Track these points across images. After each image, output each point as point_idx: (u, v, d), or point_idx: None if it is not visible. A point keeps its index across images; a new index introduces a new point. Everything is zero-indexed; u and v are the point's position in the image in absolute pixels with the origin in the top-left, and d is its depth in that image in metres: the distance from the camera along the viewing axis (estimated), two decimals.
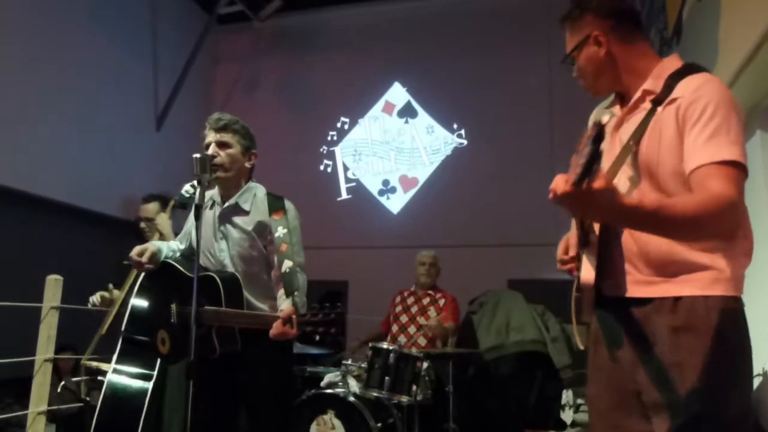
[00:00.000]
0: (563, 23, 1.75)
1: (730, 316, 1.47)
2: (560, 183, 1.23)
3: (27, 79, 5.37)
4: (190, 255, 2.72)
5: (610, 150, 1.63)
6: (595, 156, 1.19)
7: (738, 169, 1.40)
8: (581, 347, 2.10)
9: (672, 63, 1.62)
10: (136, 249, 2.58)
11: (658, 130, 1.50)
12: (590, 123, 1.86)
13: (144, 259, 2.56)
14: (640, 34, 1.68)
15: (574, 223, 1.79)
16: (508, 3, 7.11)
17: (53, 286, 3.17)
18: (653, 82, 1.58)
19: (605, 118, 1.23)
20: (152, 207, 4.00)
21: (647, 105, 1.57)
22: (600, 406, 1.65)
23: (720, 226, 1.40)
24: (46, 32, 5.59)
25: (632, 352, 1.54)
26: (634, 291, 1.55)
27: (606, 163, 1.63)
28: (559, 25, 1.77)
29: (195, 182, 2.52)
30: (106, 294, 3.79)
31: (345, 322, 2.21)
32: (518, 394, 4.75)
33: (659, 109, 1.52)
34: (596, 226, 1.60)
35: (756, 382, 3.05)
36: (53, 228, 5.69)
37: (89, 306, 3.78)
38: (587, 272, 1.54)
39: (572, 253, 1.72)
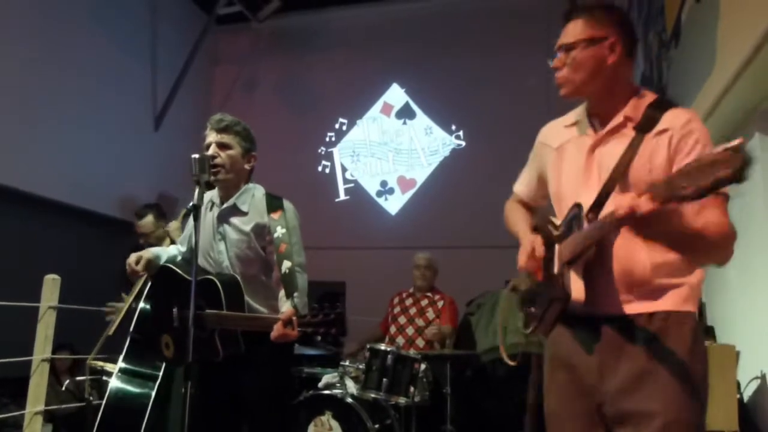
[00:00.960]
0: (577, 13, 1.70)
1: (697, 331, 1.59)
2: (646, 203, 1.27)
3: (26, 79, 5.37)
4: (190, 258, 2.72)
5: (585, 170, 1.66)
6: None
7: (726, 201, 1.52)
8: (511, 363, 2.14)
9: (648, 94, 1.68)
10: (133, 257, 2.57)
11: (647, 156, 1.56)
12: (542, 140, 1.88)
13: (139, 267, 2.56)
14: (632, 60, 1.72)
15: (528, 231, 1.82)
16: (506, 4, 7.11)
17: (51, 285, 3.16)
18: (633, 110, 1.63)
19: None
20: (147, 222, 3.99)
21: (629, 131, 1.61)
22: (559, 423, 1.68)
23: (726, 252, 1.52)
24: (45, 32, 5.58)
25: (599, 362, 1.57)
26: (611, 309, 1.59)
27: (577, 181, 1.67)
28: (566, 16, 1.73)
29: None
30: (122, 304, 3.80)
31: (345, 322, 2.20)
32: (516, 395, 4.74)
33: (647, 136, 1.57)
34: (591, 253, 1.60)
35: (753, 385, 3.07)
36: (51, 227, 5.68)
37: (107, 318, 3.78)
38: (578, 290, 1.54)
39: (540, 253, 1.71)
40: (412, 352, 4.18)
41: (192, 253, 2.67)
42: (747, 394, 3.09)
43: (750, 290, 3.14)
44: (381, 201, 7.45)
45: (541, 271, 1.72)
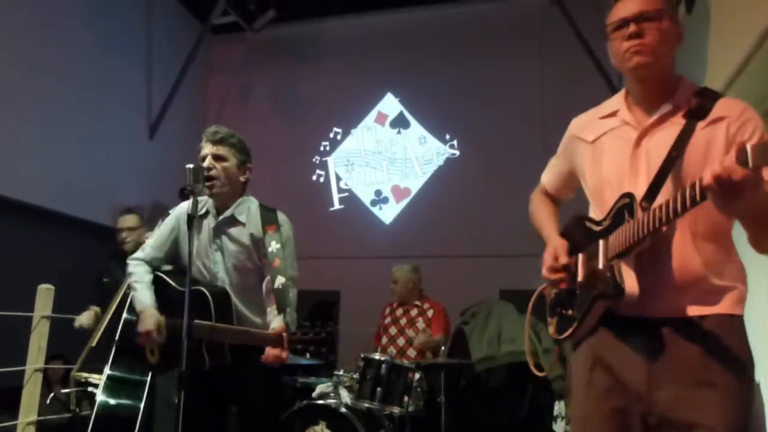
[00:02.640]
0: None
1: (745, 335, 1.54)
2: (737, 168, 1.20)
3: (20, 87, 5.36)
4: (180, 269, 2.70)
5: (632, 161, 1.59)
6: None
7: None
8: (539, 373, 2.07)
9: (688, 81, 1.64)
10: (154, 326, 2.45)
11: (703, 144, 1.51)
12: (575, 133, 1.80)
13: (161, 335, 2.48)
14: None
15: (552, 234, 1.78)
16: (501, 14, 7.16)
17: (44, 295, 3.15)
18: (680, 98, 1.58)
19: None
20: (131, 217, 4.03)
21: (679, 119, 1.56)
22: (590, 427, 1.59)
23: None
24: (40, 41, 5.58)
25: (648, 370, 1.49)
26: (661, 311, 1.51)
27: (623, 173, 1.60)
28: None
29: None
30: (91, 313, 3.80)
31: (336, 340, 2.22)
32: (510, 405, 4.74)
33: (700, 124, 1.52)
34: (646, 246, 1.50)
35: None
36: (44, 236, 5.66)
37: (76, 325, 3.77)
38: (632, 285, 1.46)
39: (563, 260, 1.68)
40: (405, 362, 4.17)
41: (180, 264, 2.68)
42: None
43: (748, 298, 3.15)
44: (375, 210, 7.46)
45: (566, 280, 1.67)
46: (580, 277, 1.64)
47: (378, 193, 7.51)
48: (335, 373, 4.24)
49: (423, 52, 7.40)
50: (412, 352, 4.63)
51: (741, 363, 1.48)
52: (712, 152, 1.49)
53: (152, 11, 7.21)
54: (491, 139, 6.96)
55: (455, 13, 7.36)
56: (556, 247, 1.71)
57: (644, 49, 1.56)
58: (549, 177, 1.98)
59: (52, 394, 4.15)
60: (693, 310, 1.50)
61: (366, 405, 3.86)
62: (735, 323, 1.51)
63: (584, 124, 1.80)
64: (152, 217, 4.08)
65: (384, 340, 4.78)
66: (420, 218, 7.12)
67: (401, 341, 4.70)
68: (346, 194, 7.59)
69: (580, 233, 1.71)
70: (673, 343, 1.49)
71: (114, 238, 4.11)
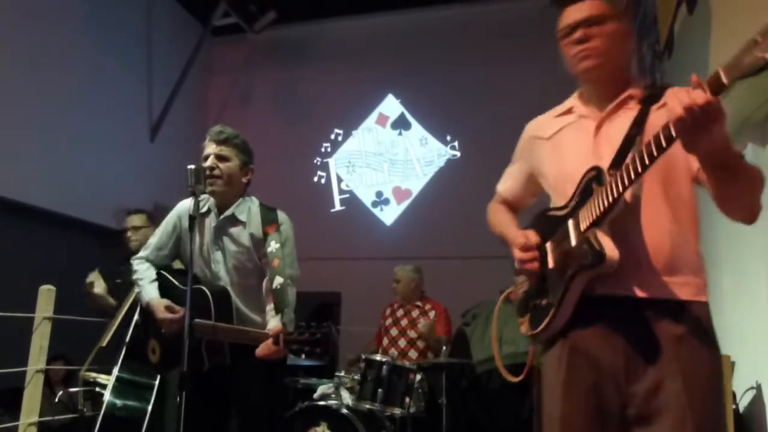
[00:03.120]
0: None
1: (712, 323, 1.55)
2: (700, 93, 1.24)
3: (21, 89, 5.37)
4: (182, 267, 2.71)
5: (594, 148, 1.62)
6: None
7: None
8: (511, 379, 2.02)
9: (639, 81, 1.70)
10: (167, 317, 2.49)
11: (658, 123, 1.49)
12: (532, 134, 1.84)
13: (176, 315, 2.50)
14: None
15: (516, 230, 1.77)
16: (501, 15, 7.16)
17: (46, 296, 3.15)
18: (634, 91, 1.64)
19: None
20: (139, 216, 4.03)
21: (634, 106, 1.61)
22: (575, 426, 1.55)
23: (758, 201, 1.49)
24: (40, 43, 5.59)
25: (626, 359, 1.49)
26: (638, 290, 1.51)
27: (586, 159, 1.61)
28: None
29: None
30: (102, 283, 3.80)
31: (330, 342, 2.20)
32: (511, 406, 4.73)
33: (653, 107, 1.56)
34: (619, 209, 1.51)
35: (749, 396, 3.07)
36: (45, 238, 5.66)
37: (89, 281, 3.77)
38: (612, 248, 1.45)
39: (534, 239, 1.66)
40: (406, 363, 4.17)
41: (171, 258, 2.69)
42: (743, 404, 3.09)
43: (744, 299, 3.15)
44: (376, 211, 7.46)
45: (538, 263, 1.65)
46: (551, 264, 1.63)
47: (379, 194, 7.51)
48: (336, 374, 4.23)
49: (424, 54, 7.41)
50: (413, 353, 4.62)
51: (713, 350, 1.50)
52: None
53: (152, 13, 7.21)
54: (492, 141, 6.92)
55: (456, 15, 7.37)
56: (524, 232, 1.71)
57: (591, 53, 1.61)
58: (507, 185, 1.98)
59: (60, 392, 4.14)
60: (668, 292, 1.50)
61: (367, 406, 3.86)
62: (705, 309, 1.53)
63: (540, 125, 1.84)
64: (153, 218, 4.08)
65: (385, 341, 4.77)
66: (421, 219, 7.12)
67: (402, 342, 4.70)
68: (347, 195, 7.59)
69: (544, 224, 1.71)
70: (648, 330, 1.49)
71: (119, 241, 4.12)
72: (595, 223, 1.50)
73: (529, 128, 1.89)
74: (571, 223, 1.58)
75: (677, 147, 1.39)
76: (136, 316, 2.91)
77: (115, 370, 3.14)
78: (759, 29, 1.12)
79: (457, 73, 7.20)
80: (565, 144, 1.70)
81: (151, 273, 2.64)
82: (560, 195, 1.69)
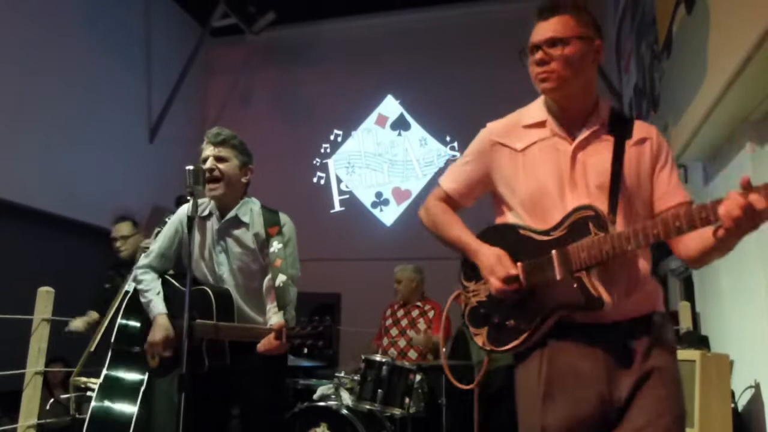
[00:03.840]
0: (564, 9, 1.67)
1: (670, 326, 1.69)
2: (760, 200, 1.33)
3: (20, 91, 5.37)
4: (184, 272, 2.70)
5: (570, 174, 1.64)
6: None
7: None
8: (462, 387, 2.09)
9: (604, 100, 1.75)
10: (162, 340, 2.45)
11: (634, 162, 1.64)
12: (495, 140, 1.79)
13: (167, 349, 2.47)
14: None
15: (477, 243, 1.77)
16: (500, 16, 7.16)
17: (45, 298, 3.15)
18: (603, 116, 1.69)
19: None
20: (125, 225, 4.01)
21: (607, 137, 1.66)
22: None
23: None
24: (40, 45, 5.59)
25: (607, 369, 1.56)
26: (617, 315, 1.58)
27: (561, 185, 1.63)
28: (550, 10, 1.68)
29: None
30: (87, 319, 3.79)
31: (332, 336, 2.20)
32: (511, 406, 4.72)
33: (628, 142, 1.65)
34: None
35: (748, 394, 3.07)
36: (44, 239, 5.66)
37: (66, 330, 3.74)
38: (606, 295, 1.53)
39: (514, 271, 1.63)
40: (406, 363, 4.16)
41: (173, 263, 2.68)
42: (741, 403, 3.09)
43: (743, 299, 3.15)
44: (376, 212, 7.46)
45: (514, 293, 1.63)
46: (524, 287, 1.63)
47: (379, 195, 7.51)
48: (336, 374, 4.23)
49: (423, 54, 7.41)
50: (413, 354, 4.62)
51: (674, 350, 1.64)
52: (642, 169, 1.65)
53: (151, 14, 7.22)
54: None
55: (456, 15, 7.37)
56: (500, 256, 1.67)
57: (550, 76, 1.65)
58: (455, 183, 1.91)
59: (52, 399, 4.14)
60: (640, 310, 1.61)
61: (367, 407, 3.85)
62: (666, 317, 1.66)
63: (507, 131, 1.79)
64: (152, 220, 4.08)
65: (385, 341, 4.77)
66: (421, 220, 7.11)
67: (402, 342, 4.69)
68: (347, 196, 7.59)
69: (509, 242, 1.69)
70: (626, 344, 1.58)
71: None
72: (590, 267, 1.54)
73: (492, 131, 1.84)
74: (555, 255, 1.57)
75: (644, 177, 1.63)
76: (121, 320, 2.90)
77: (103, 372, 3.13)
78: None
79: (457, 73, 7.21)
80: (540, 162, 1.68)
81: (157, 285, 2.60)
82: (532, 214, 1.68)
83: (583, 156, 1.64)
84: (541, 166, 1.67)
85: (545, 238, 1.62)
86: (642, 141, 1.67)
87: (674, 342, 1.66)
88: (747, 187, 1.33)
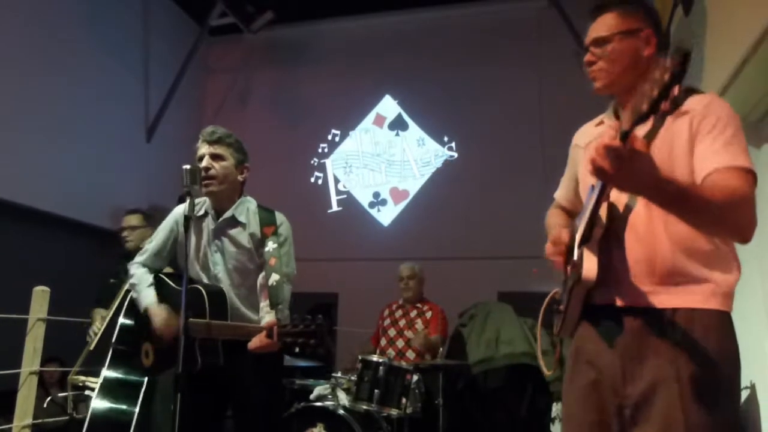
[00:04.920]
0: (608, 6, 1.69)
1: (723, 331, 1.52)
2: (606, 139, 1.28)
3: (17, 89, 5.36)
4: (178, 271, 2.70)
5: None
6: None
7: (753, 177, 1.48)
8: (547, 372, 2.10)
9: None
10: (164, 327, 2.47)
11: (669, 138, 1.56)
12: (574, 142, 1.88)
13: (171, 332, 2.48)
14: (665, 53, 1.72)
15: (561, 229, 1.77)
16: (498, 17, 7.17)
17: (40, 297, 3.14)
18: (649, 89, 1.63)
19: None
20: (135, 216, 4.01)
21: (657, 118, 1.59)
22: (580, 423, 1.60)
23: (739, 220, 1.45)
24: (37, 42, 5.58)
25: (622, 365, 1.52)
26: (633, 300, 1.53)
27: None
28: (596, 9, 1.70)
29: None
30: (96, 326, 3.78)
31: (325, 335, 2.19)
32: (508, 407, 4.73)
33: (668, 118, 1.57)
34: (600, 225, 1.55)
35: (743, 395, 3.07)
36: (40, 238, 5.65)
37: (91, 334, 3.74)
38: (590, 268, 1.49)
39: (565, 237, 1.67)
40: (403, 363, 4.16)
41: (168, 262, 2.68)
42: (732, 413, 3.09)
43: (739, 300, 3.15)
44: (373, 212, 7.45)
45: (562, 259, 1.68)
46: (568, 272, 1.67)
47: (376, 195, 7.51)
48: (333, 375, 4.23)
49: (421, 55, 7.41)
50: (411, 354, 4.62)
51: (715, 358, 1.47)
52: (675, 147, 1.55)
53: (149, 13, 7.20)
54: (489, 142, 6.96)
55: (454, 16, 7.37)
56: (561, 228, 1.72)
57: (598, 75, 1.69)
58: (561, 191, 2.02)
59: (49, 398, 4.13)
60: (662, 301, 1.51)
61: (364, 407, 3.85)
62: (711, 317, 1.50)
63: (581, 134, 1.89)
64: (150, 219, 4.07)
65: (383, 341, 4.77)
66: (418, 220, 7.12)
67: (400, 343, 4.69)
68: (345, 196, 7.59)
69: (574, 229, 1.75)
70: (644, 338, 1.51)
71: (114, 241, 4.10)
72: (584, 240, 1.54)
73: (575, 137, 1.94)
74: (577, 235, 1.62)
75: (678, 154, 1.49)
76: (121, 319, 2.90)
77: (103, 372, 3.13)
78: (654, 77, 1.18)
79: (455, 74, 7.21)
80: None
81: (148, 277, 2.63)
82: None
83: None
84: None
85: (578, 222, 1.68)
86: (682, 114, 1.56)
87: (717, 348, 1.48)
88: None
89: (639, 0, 1.73)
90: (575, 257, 1.58)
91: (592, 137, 1.77)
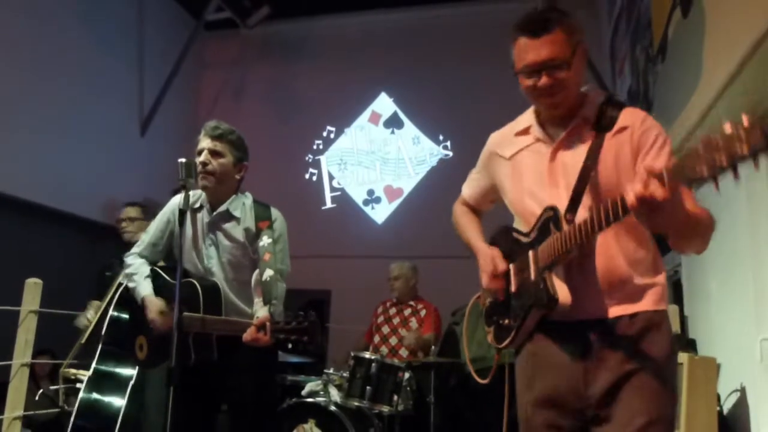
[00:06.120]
0: (554, 22, 1.58)
1: (669, 328, 1.63)
2: (658, 188, 1.23)
3: (10, 82, 5.33)
4: (173, 263, 2.69)
5: (549, 176, 1.65)
6: None
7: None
8: (481, 381, 2.11)
9: (593, 95, 1.69)
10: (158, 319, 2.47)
11: (612, 154, 1.59)
12: (492, 149, 1.88)
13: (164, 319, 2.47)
14: None
15: (480, 244, 1.85)
16: (494, 15, 7.15)
17: (32, 289, 3.12)
18: (588, 112, 1.65)
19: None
20: (134, 209, 4.00)
21: (588, 132, 1.62)
22: (538, 427, 1.65)
23: (709, 238, 1.53)
24: (32, 37, 5.55)
25: (584, 368, 1.57)
26: (592, 313, 1.58)
27: (541, 187, 1.66)
28: (542, 28, 1.59)
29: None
30: (90, 315, 3.76)
31: (317, 331, 2.20)
32: (500, 405, 4.73)
33: (607, 135, 1.60)
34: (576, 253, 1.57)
35: (733, 398, 3.09)
36: (34, 231, 5.62)
37: (81, 326, 3.73)
38: (565, 294, 1.53)
39: (502, 268, 1.73)
40: (396, 361, 4.17)
41: (164, 254, 2.67)
42: (727, 406, 3.10)
43: (730, 302, 3.17)
44: (368, 210, 7.45)
45: (502, 288, 1.73)
46: (513, 287, 1.71)
47: (370, 192, 7.50)
48: (325, 371, 4.23)
49: (418, 52, 7.41)
50: (404, 352, 4.62)
51: (666, 352, 1.57)
52: (621, 160, 1.58)
53: (145, 7, 7.17)
54: (484, 141, 6.91)
55: (450, 14, 7.37)
56: (492, 255, 1.77)
57: (556, 101, 1.63)
58: (470, 190, 2.05)
59: (41, 391, 4.11)
60: (621, 310, 1.58)
61: (355, 404, 3.86)
62: (659, 317, 1.59)
63: (501, 141, 1.87)
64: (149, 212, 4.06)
65: (376, 338, 4.77)
66: (412, 219, 7.12)
67: (393, 340, 4.70)
68: (339, 193, 7.58)
69: (508, 244, 1.78)
70: (605, 342, 1.57)
71: (108, 234, 4.09)
72: (551, 266, 1.56)
73: (490, 141, 1.94)
74: (531, 255, 1.64)
75: (623, 165, 1.55)
76: (111, 311, 2.89)
77: (93, 364, 3.12)
78: (700, 140, 1.14)
79: (450, 72, 7.21)
80: (524, 168, 1.73)
81: (146, 269, 2.62)
82: (521, 216, 1.76)
83: (562, 156, 1.65)
84: (525, 172, 1.72)
85: (526, 239, 1.69)
86: (621, 130, 1.59)
87: (667, 343, 1.59)
88: (650, 173, 1.25)
89: (562, 12, 1.65)
90: (533, 278, 1.61)
91: (517, 147, 1.75)
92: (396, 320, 4.77)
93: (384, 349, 4.65)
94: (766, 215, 1.51)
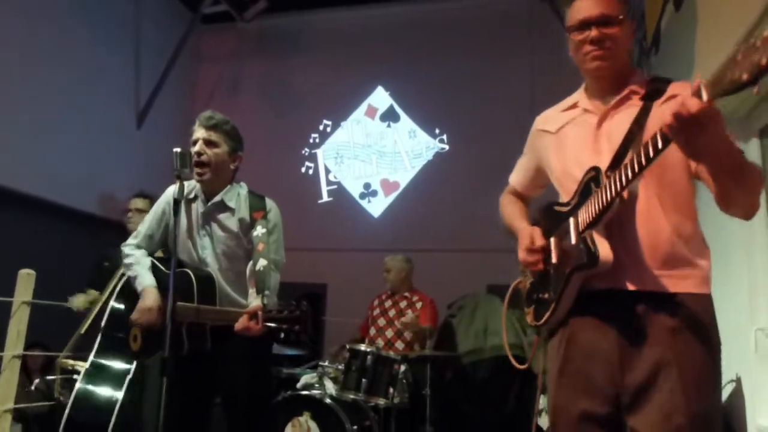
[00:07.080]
0: None
1: (713, 315, 1.55)
2: (694, 101, 1.22)
3: (6, 75, 5.30)
4: (168, 254, 2.70)
5: (593, 143, 1.65)
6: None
7: None
8: (519, 366, 2.09)
9: (641, 71, 1.73)
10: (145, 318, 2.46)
11: (660, 120, 1.51)
12: (539, 128, 1.87)
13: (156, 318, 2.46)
14: None
15: (523, 224, 1.82)
16: (491, 9, 7.15)
17: (25, 280, 3.10)
18: (637, 85, 1.65)
19: None
20: (143, 201, 4.02)
21: (636, 102, 1.62)
22: (570, 414, 1.59)
23: (757, 200, 1.49)
24: (27, 28, 5.52)
25: (620, 352, 1.52)
26: (638, 284, 1.53)
27: (586, 154, 1.64)
28: None
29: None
30: (88, 297, 3.75)
31: (309, 321, 2.21)
32: (496, 398, 4.75)
33: (656, 103, 1.57)
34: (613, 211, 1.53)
35: (729, 388, 3.09)
36: (29, 223, 5.60)
37: (70, 306, 3.72)
38: (607, 251, 1.49)
39: (539, 242, 1.71)
40: (391, 353, 4.17)
41: (161, 245, 2.67)
42: (722, 397, 3.12)
43: (726, 291, 3.16)
44: (364, 203, 7.45)
45: (542, 263, 1.70)
46: (554, 258, 1.67)
47: (367, 186, 7.50)
48: (320, 364, 4.23)
49: (414, 46, 7.39)
50: (400, 344, 4.63)
51: (710, 343, 1.51)
52: None
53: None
54: (481, 134, 6.95)
55: (447, 8, 7.35)
56: (530, 231, 1.75)
57: (604, 55, 1.63)
58: (517, 176, 2.04)
59: (37, 380, 4.10)
60: (664, 285, 1.52)
61: (351, 396, 3.86)
62: (704, 302, 1.54)
63: (547, 119, 1.87)
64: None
65: (372, 331, 4.78)
66: (409, 212, 7.12)
67: (389, 333, 4.70)
68: (335, 187, 7.57)
69: (549, 219, 1.75)
70: (643, 322, 1.51)
71: (105, 227, 4.08)
72: (592, 224, 1.53)
73: (537, 121, 1.92)
74: (571, 221, 1.61)
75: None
76: (112, 302, 2.89)
77: (91, 356, 3.12)
78: (739, 47, 1.11)
79: (447, 66, 7.19)
80: (569, 139, 1.73)
81: (147, 261, 2.62)
82: (565, 190, 1.73)
83: (608, 125, 1.65)
84: (571, 143, 1.72)
85: (566, 209, 1.66)
86: (671, 98, 1.55)
87: (711, 336, 1.51)
88: (693, 89, 1.25)
89: None
90: (574, 242, 1.57)
91: (563, 121, 1.76)
92: (392, 312, 4.78)
93: (380, 342, 4.65)
94: (759, 205, 1.49)
